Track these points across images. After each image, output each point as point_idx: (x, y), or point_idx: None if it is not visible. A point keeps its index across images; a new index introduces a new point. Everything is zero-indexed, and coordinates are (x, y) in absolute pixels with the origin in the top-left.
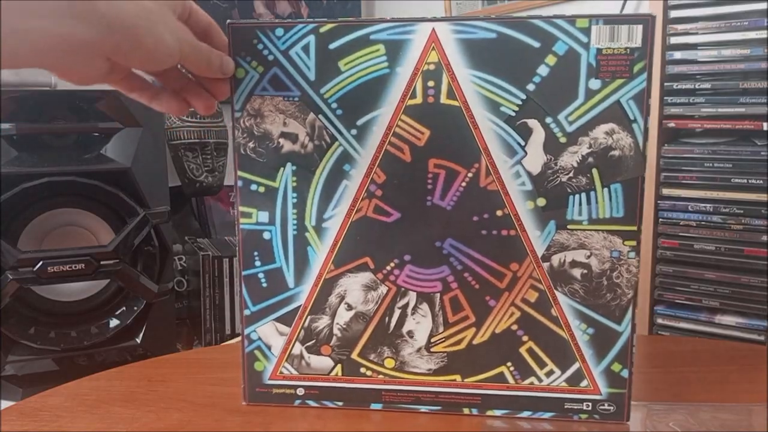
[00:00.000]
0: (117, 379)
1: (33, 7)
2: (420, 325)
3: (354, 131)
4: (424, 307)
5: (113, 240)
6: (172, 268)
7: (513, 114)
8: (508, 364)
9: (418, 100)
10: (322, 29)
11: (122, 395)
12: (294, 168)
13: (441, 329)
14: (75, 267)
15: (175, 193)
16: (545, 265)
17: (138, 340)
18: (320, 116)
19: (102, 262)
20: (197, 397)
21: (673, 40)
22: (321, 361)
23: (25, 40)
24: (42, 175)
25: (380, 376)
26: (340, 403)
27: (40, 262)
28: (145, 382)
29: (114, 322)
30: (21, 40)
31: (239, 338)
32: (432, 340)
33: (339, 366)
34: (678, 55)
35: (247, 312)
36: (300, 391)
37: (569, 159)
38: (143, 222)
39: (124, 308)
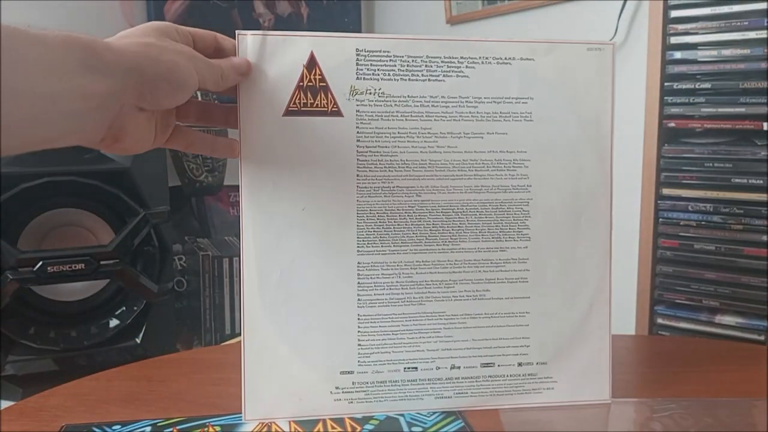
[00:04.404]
0: (117, 379)
1: (50, 66)
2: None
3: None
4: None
5: (113, 240)
6: (172, 268)
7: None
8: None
9: None
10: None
11: (122, 395)
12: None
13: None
14: (75, 267)
15: (175, 193)
16: None
17: (138, 340)
18: None
19: (102, 262)
20: (197, 397)
21: (673, 40)
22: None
23: (53, 104)
24: (42, 175)
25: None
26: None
27: (40, 262)
28: (145, 382)
29: (114, 322)
30: (48, 103)
31: (239, 338)
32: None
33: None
34: (678, 55)
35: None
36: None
37: None
38: (143, 222)
39: (124, 308)
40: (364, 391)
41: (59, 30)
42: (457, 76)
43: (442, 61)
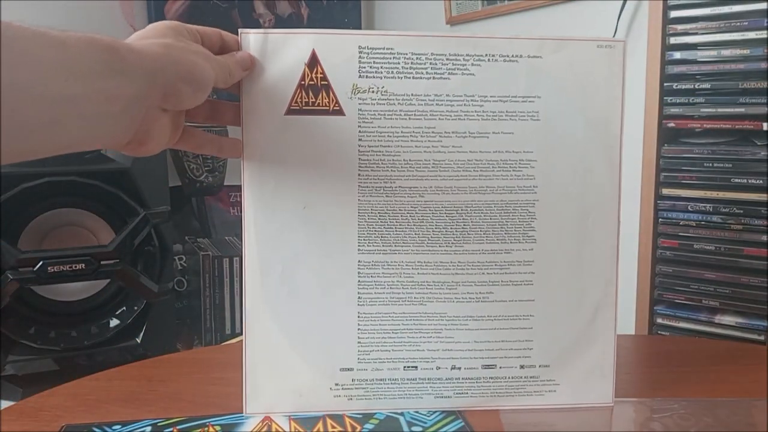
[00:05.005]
0: (117, 379)
1: (70, 68)
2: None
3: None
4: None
5: (113, 240)
6: (172, 268)
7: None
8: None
9: None
10: None
11: (122, 395)
12: None
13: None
14: (75, 267)
15: (175, 193)
16: None
17: (138, 340)
18: None
19: (102, 262)
20: (197, 397)
21: (673, 40)
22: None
23: (74, 106)
24: (42, 175)
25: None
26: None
27: (40, 262)
28: (145, 382)
29: (114, 322)
30: (69, 107)
31: (239, 338)
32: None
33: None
34: (678, 55)
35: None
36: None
37: None
38: (143, 222)
39: (124, 308)
40: (364, 389)
41: (80, 32)
42: (463, 74)
43: (447, 59)
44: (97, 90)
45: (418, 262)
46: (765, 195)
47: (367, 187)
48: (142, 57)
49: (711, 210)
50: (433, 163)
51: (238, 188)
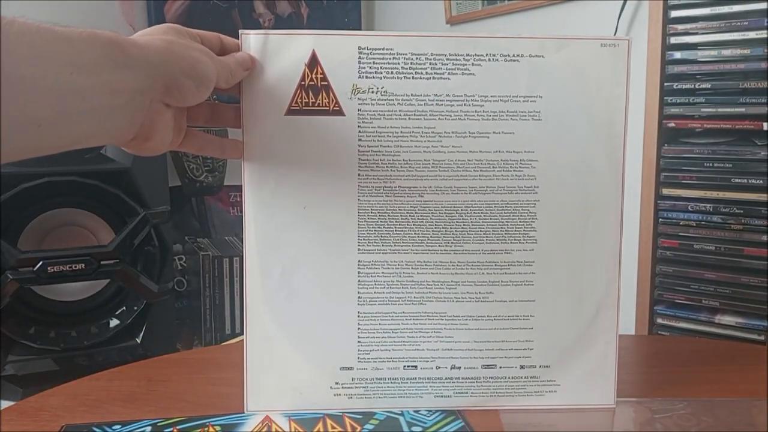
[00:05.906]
0: (117, 379)
1: (77, 62)
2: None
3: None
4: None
5: (113, 240)
6: (172, 268)
7: None
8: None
9: None
10: None
11: (122, 395)
12: None
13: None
14: (75, 267)
15: (175, 193)
16: None
17: (138, 340)
18: None
19: (102, 262)
20: (197, 397)
21: (673, 40)
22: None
23: (82, 99)
24: (42, 175)
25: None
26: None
27: (40, 262)
28: (145, 382)
29: (114, 322)
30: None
31: (239, 338)
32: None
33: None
34: (678, 55)
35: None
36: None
37: None
38: (143, 222)
39: (124, 308)
40: (364, 387)
41: (81, 27)
42: (463, 73)
43: (447, 59)
44: (101, 83)
45: (417, 261)
46: (765, 195)
47: (367, 187)
48: (144, 51)
49: (711, 210)
50: (433, 163)
51: (238, 188)
